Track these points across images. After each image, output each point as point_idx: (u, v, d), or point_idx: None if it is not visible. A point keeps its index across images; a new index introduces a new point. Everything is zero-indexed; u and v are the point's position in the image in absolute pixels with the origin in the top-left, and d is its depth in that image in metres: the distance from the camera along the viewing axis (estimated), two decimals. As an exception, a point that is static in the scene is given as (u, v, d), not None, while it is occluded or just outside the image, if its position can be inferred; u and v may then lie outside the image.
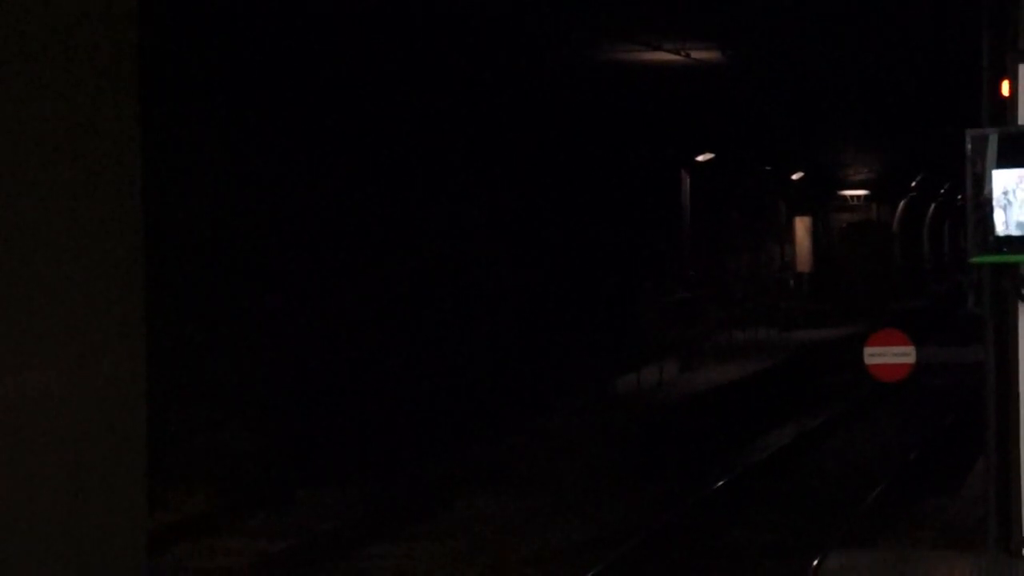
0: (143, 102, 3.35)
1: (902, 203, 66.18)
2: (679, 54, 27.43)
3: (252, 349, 23.42)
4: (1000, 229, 12.36)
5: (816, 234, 57.77)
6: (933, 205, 74.20)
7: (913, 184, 65.17)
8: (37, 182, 3.15)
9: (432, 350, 28.16)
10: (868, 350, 15.29)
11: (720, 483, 24.43)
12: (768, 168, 51.63)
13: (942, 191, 71.88)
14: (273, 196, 24.15)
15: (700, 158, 42.25)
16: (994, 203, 12.37)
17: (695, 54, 27.62)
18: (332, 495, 21.48)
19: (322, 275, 25.32)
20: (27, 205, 3.12)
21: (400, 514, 20.57)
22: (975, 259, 12.81)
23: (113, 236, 3.26)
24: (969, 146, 12.54)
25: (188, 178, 22.00)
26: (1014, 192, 12.39)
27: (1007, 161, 12.41)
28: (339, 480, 22.22)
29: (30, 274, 3.16)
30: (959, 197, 65.00)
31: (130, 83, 3.38)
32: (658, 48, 26.88)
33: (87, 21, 3.28)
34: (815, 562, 17.39)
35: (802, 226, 56.91)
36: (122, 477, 3.35)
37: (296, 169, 24.81)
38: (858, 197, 61.10)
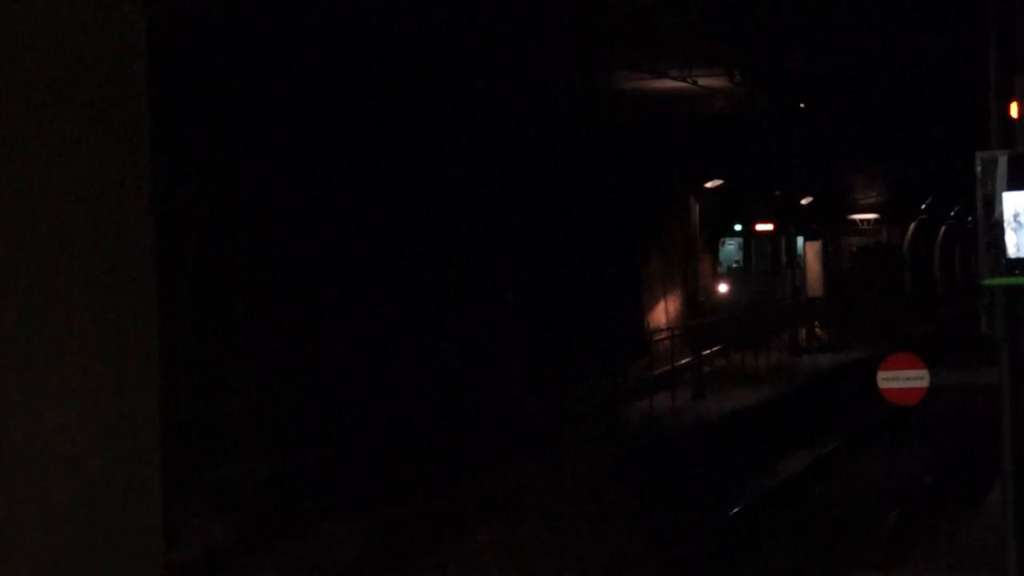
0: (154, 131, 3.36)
1: (912, 226, 66.14)
2: (686, 81, 27.46)
3: (266, 379, 23.43)
4: (1012, 251, 12.35)
5: (826, 258, 57.64)
6: (943, 227, 74.13)
7: (923, 207, 65.13)
8: (48, 221, 3.16)
9: (446, 378, 28.16)
10: (882, 374, 15.27)
11: (736, 510, 24.42)
12: (777, 193, 51.57)
13: (952, 213, 71.83)
14: (287, 223, 24.19)
15: (708, 184, 42.21)
16: (1005, 225, 12.36)
17: (702, 81, 27.65)
18: (350, 526, 21.45)
19: (336, 304, 25.35)
20: (38, 246, 3.13)
21: (419, 544, 20.54)
22: (987, 281, 12.80)
23: (125, 269, 3.26)
24: (979, 168, 12.54)
25: (203, 208, 22.04)
26: (1025, 214, 12.38)
27: (1017, 183, 12.40)
28: (357, 510, 22.19)
29: (45, 312, 3.17)
30: (969, 219, 64.97)
31: (140, 118, 3.39)
32: (664, 76, 26.91)
33: (94, 41, 3.29)
34: (833, 588, 17.35)
35: (812, 250, 56.76)
36: (138, 513, 3.34)
37: (312, 199, 24.86)
38: (868, 220, 61.05)
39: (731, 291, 47.25)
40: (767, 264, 50.47)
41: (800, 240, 54.68)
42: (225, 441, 22.41)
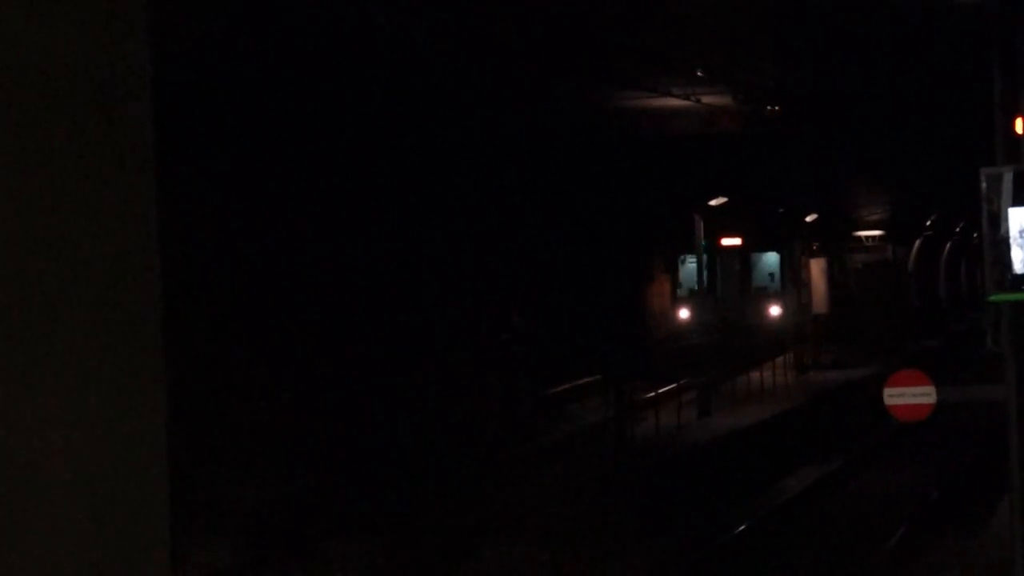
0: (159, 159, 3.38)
1: (917, 242, 66.11)
2: (689, 99, 27.49)
3: (272, 401, 23.42)
4: (1018, 267, 12.37)
5: (831, 275, 57.47)
6: (949, 244, 74.12)
7: (928, 223, 65.13)
8: (54, 247, 3.18)
9: (450, 398, 28.15)
10: (888, 391, 15.28)
11: (742, 527, 24.39)
12: (782, 210, 51.52)
13: (957, 229, 71.83)
14: (289, 249, 24.20)
15: (712, 202, 42.17)
16: (1011, 241, 12.37)
17: (705, 99, 27.68)
18: (356, 546, 21.43)
19: (340, 327, 25.35)
20: (40, 257, 3.15)
21: (426, 564, 20.51)
22: (993, 297, 12.81)
23: (132, 293, 3.27)
24: (984, 184, 12.56)
25: (207, 234, 22.05)
26: (1031, 229, 12.39)
27: (1023, 199, 12.41)
28: (362, 530, 22.17)
29: (53, 336, 3.18)
30: (975, 235, 64.95)
31: (145, 145, 3.41)
32: (667, 94, 26.94)
33: (96, 42, 3.30)
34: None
35: (817, 268, 56.61)
36: (145, 535, 3.35)
37: (312, 222, 24.88)
38: (873, 237, 61.02)
39: (691, 317, 42.20)
40: (736, 284, 45.00)
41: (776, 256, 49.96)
42: (231, 462, 22.41)
